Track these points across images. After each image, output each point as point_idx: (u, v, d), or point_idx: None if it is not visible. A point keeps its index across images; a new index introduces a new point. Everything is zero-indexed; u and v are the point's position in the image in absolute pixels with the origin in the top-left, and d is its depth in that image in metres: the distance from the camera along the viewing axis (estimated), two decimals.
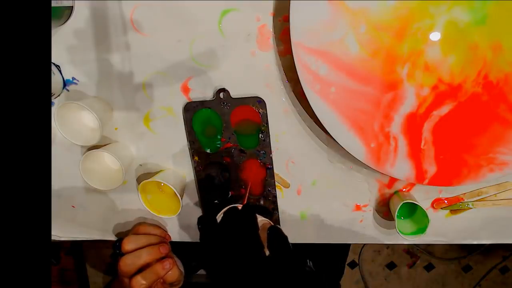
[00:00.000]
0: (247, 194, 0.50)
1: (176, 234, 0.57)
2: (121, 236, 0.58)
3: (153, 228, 0.54)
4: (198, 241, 0.52)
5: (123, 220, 0.57)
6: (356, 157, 0.44)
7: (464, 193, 0.50)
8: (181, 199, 0.49)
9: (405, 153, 0.43)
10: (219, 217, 0.44)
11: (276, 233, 0.40)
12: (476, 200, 0.50)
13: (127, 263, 0.47)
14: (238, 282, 0.36)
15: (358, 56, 0.39)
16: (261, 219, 0.45)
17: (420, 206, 0.47)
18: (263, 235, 0.40)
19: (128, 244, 0.49)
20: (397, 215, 0.47)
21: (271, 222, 0.46)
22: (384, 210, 0.52)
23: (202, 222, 0.43)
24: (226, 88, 0.46)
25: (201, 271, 0.67)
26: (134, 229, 0.54)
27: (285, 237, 0.40)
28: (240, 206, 0.45)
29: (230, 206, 0.45)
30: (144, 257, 0.48)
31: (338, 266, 0.86)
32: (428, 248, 1.43)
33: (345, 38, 0.39)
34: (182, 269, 0.54)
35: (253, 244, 0.38)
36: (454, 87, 0.40)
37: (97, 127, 0.48)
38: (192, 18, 0.43)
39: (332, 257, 0.83)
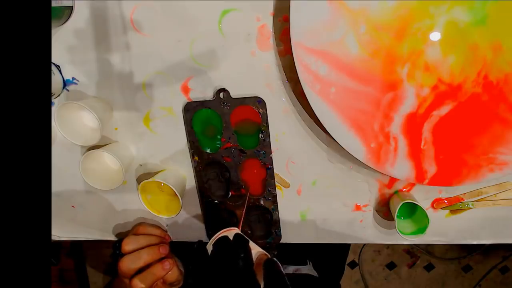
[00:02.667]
0: (242, 219, 0.48)
1: (176, 234, 0.57)
2: (121, 237, 0.58)
3: (153, 228, 0.54)
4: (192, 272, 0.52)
5: (123, 220, 0.57)
6: (356, 157, 0.44)
7: (464, 193, 0.50)
8: (181, 199, 0.49)
9: (405, 153, 0.43)
10: (209, 246, 0.42)
11: (273, 271, 0.38)
12: (476, 200, 0.50)
13: (127, 264, 0.47)
14: None
15: (358, 56, 0.39)
16: (255, 252, 0.43)
17: (420, 206, 0.47)
18: (259, 270, 0.39)
19: (128, 244, 0.49)
20: (397, 215, 0.47)
21: (266, 253, 0.44)
22: (384, 210, 0.52)
23: (193, 258, 0.41)
24: (226, 88, 0.46)
25: None
26: (134, 229, 0.54)
27: (283, 275, 0.38)
28: (232, 230, 0.43)
29: (221, 235, 0.42)
30: (144, 257, 0.48)
31: (338, 266, 0.86)
32: (428, 248, 1.43)
33: (345, 38, 0.39)
34: (182, 269, 0.54)
35: (249, 283, 0.37)
36: (454, 87, 0.40)
37: (97, 127, 0.48)
38: (192, 18, 0.43)
39: (332, 257, 0.83)
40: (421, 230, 0.48)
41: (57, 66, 0.47)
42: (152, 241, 0.51)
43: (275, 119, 0.47)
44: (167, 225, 0.57)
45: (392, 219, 0.51)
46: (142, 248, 0.49)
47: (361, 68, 0.40)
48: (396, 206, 0.47)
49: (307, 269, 0.73)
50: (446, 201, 0.51)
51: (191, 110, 0.47)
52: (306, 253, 0.76)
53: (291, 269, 0.72)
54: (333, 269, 0.84)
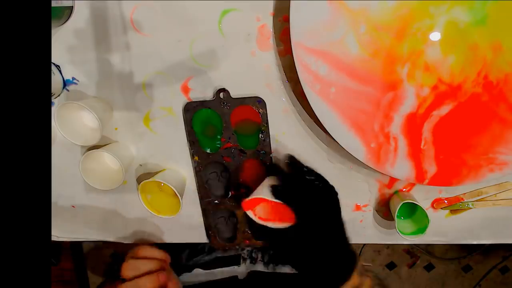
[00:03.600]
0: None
1: (176, 234, 0.57)
2: (121, 241, 0.57)
3: (153, 251, 0.52)
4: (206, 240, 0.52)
5: (123, 220, 0.57)
6: (356, 157, 0.44)
7: (464, 193, 0.50)
8: (181, 199, 0.49)
9: (405, 153, 0.43)
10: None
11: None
12: (476, 200, 0.50)
13: None
14: None
15: (358, 56, 0.39)
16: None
17: (420, 206, 0.47)
18: None
19: (128, 270, 0.47)
20: (397, 215, 0.47)
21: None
22: (384, 210, 0.52)
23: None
24: (226, 88, 0.46)
25: (196, 271, 0.66)
26: (134, 252, 0.52)
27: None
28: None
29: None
30: (143, 287, 0.47)
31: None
32: (428, 248, 1.43)
33: (345, 38, 0.39)
34: (180, 286, 0.54)
35: None
36: (454, 87, 0.40)
37: (97, 127, 0.48)
38: (192, 18, 0.43)
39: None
40: (421, 230, 0.48)
41: (57, 66, 0.47)
42: (152, 267, 0.49)
43: (275, 119, 0.47)
44: (167, 225, 0.57)
45: (392, 219, 0.51)
46: (142, 275, 0.48)
47: (361, 68, 0.40)
48: (396, 206, 0.47)
49: None
50: (446, 201, 0.51)
51: (191, 110, 0.47)
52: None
53: (286, 268, 0.72)
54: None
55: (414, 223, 0.50)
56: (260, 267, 0.64)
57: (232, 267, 0.64)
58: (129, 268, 0.48)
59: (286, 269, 0.71)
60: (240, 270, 0.63)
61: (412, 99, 0.41)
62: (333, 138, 0.43)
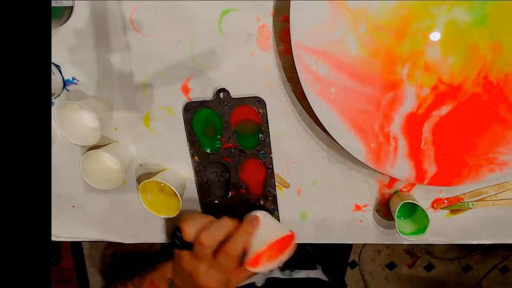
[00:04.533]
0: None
1: None
2: (120, 244, 0.57)
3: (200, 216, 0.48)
4: None
5: (123, 220, 0.57)
6: (356, 157, 0.44)
7: (464, 193, 0.50)
8: (181, 199, 0.49)
9: (405, 153, 0.43)
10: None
11: None
12: (476, 200, 0.50)
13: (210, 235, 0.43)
14: None
15: (358, 56, 0.39)
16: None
17: (420, 206, 0.47)
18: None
19: (212, 237, 0.43)
20: (397, 215, 0.47)
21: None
22: (384, 210, 0.52)
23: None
24: (226, 88, 0.46)
25: None
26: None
27: None
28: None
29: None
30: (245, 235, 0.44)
31: (342, 265, 0.86)
32: (428, 248, 1.43)
33: (345, 38, 0.39)
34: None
35: None
36: (454, 87, 0.40)
37: (97, 127, 0.48)
38: (192, 18, 0.43)
39: (336, 256, 0.83)
40: (421, 230, 0.48)
41: (57, 66, 0.47)
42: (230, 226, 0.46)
43: (275, 119, 0.47)
44: (167, 225, 0.57)
45: (392, 219, 0.51)
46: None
47: (361, 68, 0.40)
48: (396, 206, 0.47)
49: (316, 273, 0.73)
50: (446, 201, 0.51)
51: (191, 110, 0.47)
52: (315, 257, 0.76)
53: (302, 273, 0.72)
54: (337, 268, 0.84)
55: (414, 223, 0.50)
56: (276, 273, 0.64)
57: None
58: (210, 236, 0.42)
59: (302, 274, 0.72)
60: (258, 277, 0.64)
61: (412, 99, 0.41)
62: (333, 138, 0.43)
